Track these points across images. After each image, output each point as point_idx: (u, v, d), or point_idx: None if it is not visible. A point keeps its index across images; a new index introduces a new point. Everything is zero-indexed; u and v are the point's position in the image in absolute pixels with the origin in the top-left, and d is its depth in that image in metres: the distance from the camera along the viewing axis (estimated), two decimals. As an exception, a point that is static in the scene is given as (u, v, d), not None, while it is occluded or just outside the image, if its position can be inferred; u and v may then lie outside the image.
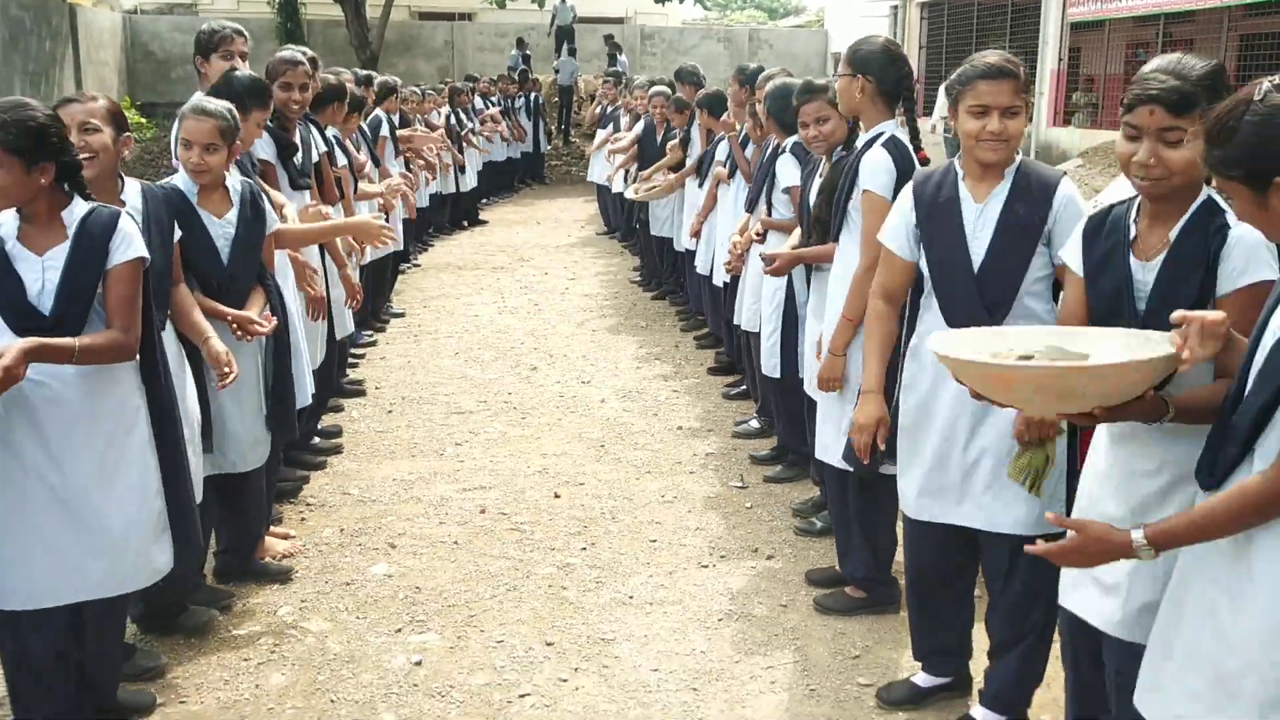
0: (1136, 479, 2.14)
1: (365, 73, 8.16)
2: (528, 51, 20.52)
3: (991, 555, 2.86)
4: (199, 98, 3.55)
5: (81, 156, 2.80)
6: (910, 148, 3.38)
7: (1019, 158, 2.72)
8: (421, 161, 9.23)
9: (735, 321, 5.51)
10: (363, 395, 6.14)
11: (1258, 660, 1.70)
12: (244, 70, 4.20)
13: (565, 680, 3.26)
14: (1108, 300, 2.22)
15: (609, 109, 12.20)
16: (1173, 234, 2.15)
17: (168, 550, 2.88)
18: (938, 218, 2.75)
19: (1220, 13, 14.79)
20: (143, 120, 19.32)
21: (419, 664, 3.33)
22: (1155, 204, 2.17)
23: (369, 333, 7.38)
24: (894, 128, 3.40)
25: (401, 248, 8.15)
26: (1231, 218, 2.09)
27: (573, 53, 20.66)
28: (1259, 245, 2.06)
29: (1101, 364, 1.89)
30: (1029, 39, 19.27)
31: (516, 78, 16.52)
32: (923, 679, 3.13)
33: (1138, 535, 1.80)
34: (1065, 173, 2.71)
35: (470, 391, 6.29)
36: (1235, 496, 1.71)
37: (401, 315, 8.25)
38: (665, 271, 8.87)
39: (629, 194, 8.19)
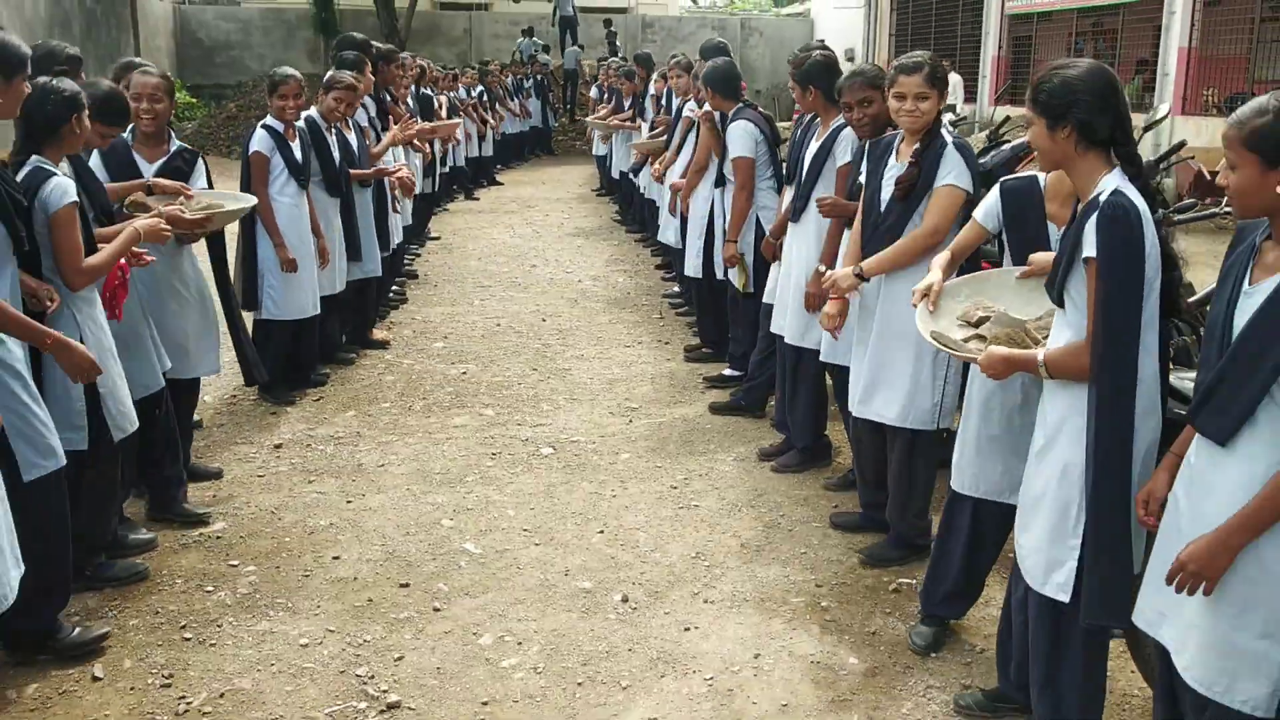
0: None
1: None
2: (537, 40, 23.24)
3: None
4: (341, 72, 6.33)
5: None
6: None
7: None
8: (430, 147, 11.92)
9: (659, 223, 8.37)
10: (416, 277, 9.04)
11: None
12: (350, 54, 6.91)
13: (541, 381, 6.16)
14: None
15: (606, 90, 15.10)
16: None
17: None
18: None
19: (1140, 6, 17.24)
20: (193, 100, 22.04)
21: (464, 374, 6.24)
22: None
23: (415, 245, 10.23)
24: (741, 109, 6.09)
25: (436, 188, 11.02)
26: None
27: (575, 41, 23.41)
28: None
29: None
30: (976, 28, 21.99)
31: (525, 61, 19.35)
32: (727, 371, 6.01)
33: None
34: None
35: (489, 276, 9.19)
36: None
37: (437, 239, 11.12)
38: (631, 207, 11.66)
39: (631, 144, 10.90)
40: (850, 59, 21.55)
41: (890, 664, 3.32)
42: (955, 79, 20.61)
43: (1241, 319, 2.10)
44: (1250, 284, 2.11)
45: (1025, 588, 2.74)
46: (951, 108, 19.60)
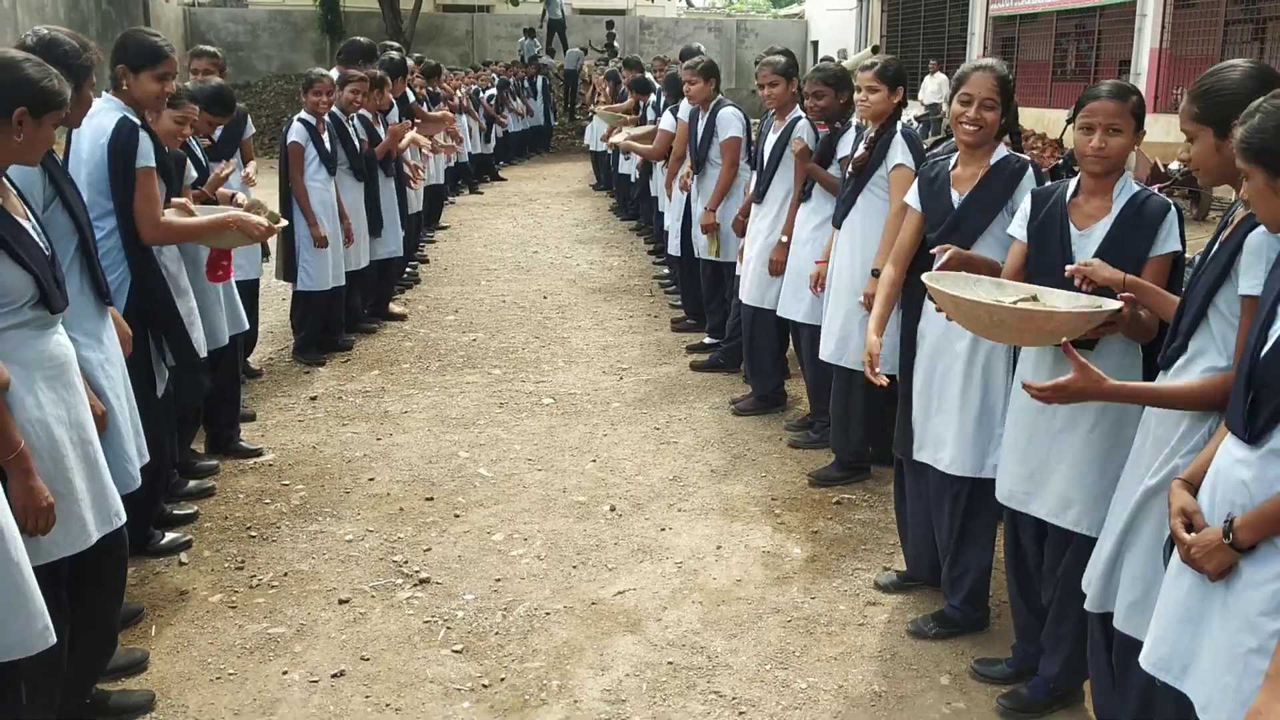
0: None
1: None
2: (537, 41, 23.98)
3: None
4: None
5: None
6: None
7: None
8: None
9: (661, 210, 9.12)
10: (427, 262, 9.80)
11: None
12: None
13: (543, 347, 6.92)
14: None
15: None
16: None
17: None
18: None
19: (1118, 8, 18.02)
20: (204, 99, 22.76)
21: (474, 341, 7.01)
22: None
23: (428, 233, 10.99)
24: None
25: (443, 180, 11.78)
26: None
27: (564, 43, 24.14)
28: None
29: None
30: (963, 29, 22.74)
31: (527, 62, 20.11)
32: (707, 339, 6.75)
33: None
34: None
35: (494, 260, 9.95)
36: None
37: (446, 228, 11.88)
38: (631, 202, 12.42)
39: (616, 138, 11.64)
40: (843, 58, 22.31)
41: (827, 554, 4.07)
42: (941, 78, 21.38)
43: (1083, 254, 2.75)
44: (1079, 229, 2.80)
45: (938, 481, 3.40)
46: (935, 106, 20.44)
